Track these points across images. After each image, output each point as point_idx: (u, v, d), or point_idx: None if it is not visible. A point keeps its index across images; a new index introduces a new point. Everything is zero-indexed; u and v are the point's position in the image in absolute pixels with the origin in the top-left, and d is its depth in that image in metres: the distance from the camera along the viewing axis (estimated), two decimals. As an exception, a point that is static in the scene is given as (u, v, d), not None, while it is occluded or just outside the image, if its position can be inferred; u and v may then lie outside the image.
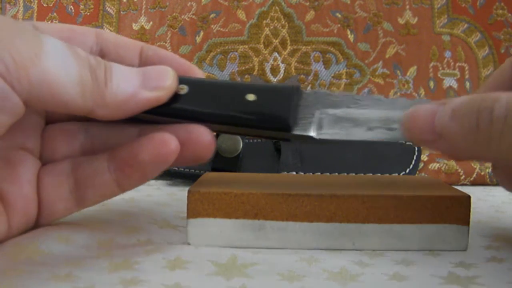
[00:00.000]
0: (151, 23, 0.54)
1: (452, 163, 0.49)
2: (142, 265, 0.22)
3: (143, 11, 0.55)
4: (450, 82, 0.52)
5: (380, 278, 0.21)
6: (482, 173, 0.49)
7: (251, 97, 0.25)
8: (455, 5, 0.53)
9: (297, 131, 0.24)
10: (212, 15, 0.54)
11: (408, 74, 0.53)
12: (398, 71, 0.53)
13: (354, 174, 0.43)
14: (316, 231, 0.25)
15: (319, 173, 0.43)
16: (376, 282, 0.21)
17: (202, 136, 0.24)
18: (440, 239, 0.25)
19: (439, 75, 0.53)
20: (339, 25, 0.53)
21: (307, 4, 0.54)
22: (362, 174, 0.43)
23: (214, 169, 0.41)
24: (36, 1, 0.55)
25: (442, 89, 0.52)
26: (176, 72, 0.24)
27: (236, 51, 0.53)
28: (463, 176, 0.49)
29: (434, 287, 0.21)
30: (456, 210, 0.25)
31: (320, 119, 0.25)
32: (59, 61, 0.20)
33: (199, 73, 0.27)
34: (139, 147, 0.23)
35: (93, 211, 0.28)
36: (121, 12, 0.55)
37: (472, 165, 0.48)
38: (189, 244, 0.25)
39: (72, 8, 0.55)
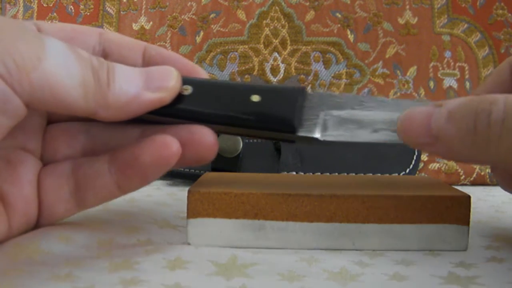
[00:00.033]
0: (151, 23, 0.54)
1: (452, 163, 0.49)
2: (142, 265, 0.22)
3: (143, 11, 0.55)
4: (450, 82, 0.52)
5: (380, 278, 0.21)
6: (482, 173, 0.49)
7: (255, 98, 0.24)
8: (455, 5, 0.53)
9: (301, 133, 0.24)
10: (212, 15, 0.54)
11: (408, 74, 0.53)
12: (398, 71, 0.53)
13: (354, 174, 0.43)
14: (316, 231, 0.25)
15: (319, 173, 0.43)
16: (376, 282, 0.21)
17: (205, 137, 0.24)
18: (440, 239, 0.25)
19: (439, 75, 0.53)
20: (339, 25, 0.53)
21: (307, 4, 0.54)
22: (362, 174, 0.43)
23: (214, 169, 0.41)
24: (36, 1, 0.55)
25: (442, 89, 0.52)
26: (179, 73, 0.24)
27: (236, 51, 0.53)
28: (463, 176, 0.49)
29: (434, 287, 0.21)
30: (456, 210, 0.25)
31: (325, 120, 0.25)
32: (61, 63, 0.20)
33: (202, 74, 0.27)
34: (140, 149, 0.23)
35: (93, 211, 0.28)
36: (121, 12, 0.55)
37: (472, 165, 0.48)
38: (189, 244, 0.25)
39: (72, 8, 0.55)
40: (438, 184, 0.29)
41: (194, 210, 0.25)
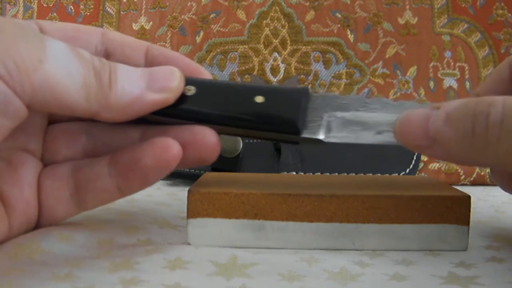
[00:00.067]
0: (151, 23, 0.54)
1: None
2: (142, 265, 0.22)
3: (143, 11, 0.55)
4: (450, 82, 0.52)
5: (380, 278, 0.21)
6: (482, 173, 0.49)
7: (259, 99, 0.24)
8: (455, 5, 0.53)
9: (306, 134, 0.24)
10: (212, 15, 0.54)
11: (408, 74, 0.53)
12: (398, 71, 0.53)
13: (354, 174, 0.43)
14: (316, 231, 0.25)
15: (319, 173, 0.43)
16: (376, 282, 0.21)
17: (207, 138, 0.24)
18: (440, 239, 0.25)
19: (439, 75, 0.53)
20: (339, 25, 0.53)
21: (307, 4, 0.54)
22: (362, 174, 0.43)
23: (214, 169, 0.41)
24: (36, 1, 0.55)
25: (442, 89, 0.52)
26: (182, 73, 0.24)
27: (236, 51, 0.53)
28: (463, 176, 0.49)
29: (434, 287, 0.21)
30: (456, 210, 0.25)
31: (329, 122, 0.25)
32: (62, 64, 0.20)
33: (205, 74, 0.27)
34: (141, 152, 0.23)
35: (93, 211, 0.28)
36: (121, 12, 0.55)
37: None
38: (189, 244, 0.25)
39: (72, 8, 0.55)
40: (438, 184, 0.29)
41: (194, 210, 0.25)
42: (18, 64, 0.19)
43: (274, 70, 0.53)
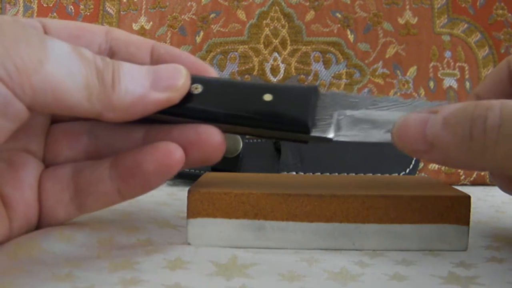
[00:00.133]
0: (151, 23, 0.54)
1: (452, 163, 0.48)
2: (142, 265, 0.22)
3: (143, 11, 0.55)
4: (450, 82, 0.52)
5: (380, 278, 0.21)
6: (482, 173, 0.49)
7: (267, 97, 0.24)
8: (455, 5, 0.53)
9: (315, 133, 0.24)
10: (212, 15, 0.54)
11: (408, 74, 0.53)
12: (398, 71, 0.53)
13: (354, 174, 0.43)
14: (316, 231, 0.25)
15: (319, 173, 0.43)
16: (376, 282, 0.21)
17: (212, 137, 0.23)
18: (440, 239, 0.25)
19: (439, 75, 0.53)
20: (339, 25, 0.53)
21: (307, 4, 0.54)
22: (362, 174, 0.43)
23: (214, 169, 0.41)
24: (36, 1, 0.55)
25: (442, 89, 0.52)
26: (188, 71, 0.24)
27: (236, 51, 0.53)
28: (463, 176, 0.49)
29: (434, 287, 0.21)
30: (456, 210, 0.25)
31: (338, 120, 0.24)
32: (64, 65, 0.20)
33: (212, 73, 0.26)
34: (142, 157, 0.22)
35: (93, 211, 0.28)
36: (121, 12, 0.55)
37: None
38: (189, 244, 0.25)
39: (72, 8, 0.55)
40: (438, 184, 0.29)
41: (194, 210, 0.25)
42: (18, 65, 0.18)
43: (274, 70, 0.53)
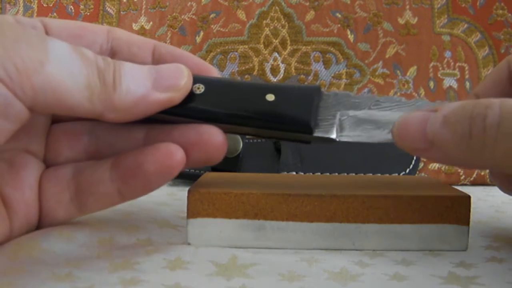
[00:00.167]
0: (151, 23, 0.54)
1: (452, 163, 0.48)
2: (142, 265, 0.22)
3: (143, 11, 0.55)
4: (450, 82, 0.52)
5: (380, 278, 0.21)
6: (482, 173, 0.49)
7: (270, 97, 0.24)
8: (455, 5, 0.53)
9: (318, 133, 0.24)
10: (212, 15, 0.54)
11: (408, 74, 0.53)
12: (398, 71, 0.53)
13: (354, 174, 0.43)
14: (316, 231, 0.25)
15: (319, 173, 0.43)
16: (376, 282, 0.21)
17: (213, 137, 0.23)
18: (440, 239, 0.25)
19: (439, 75, 0.53)
20: (339, 25, 0.53)
21: (307, 4, 0.54)
22: (362, 174, 0.43)
23: (214, 169, 0.41)
24: (36, 1, 0.55)
25: (442, 89, 0.52)
26: (190, 71, 0.24)
27: (236, 51, 0.53)
28: (463, 176, 0.49)
29: (434, 287, 0.21)
30: (456, 210, 0.25)
31: (341, 120, 0.24)
32: (65, 65, 0.20)
33: (214, 72, 0.26)
34: (143, 157, 0.22)
35: (93, 211, 0.28)
36: (121, 12, 0.55)
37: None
38: (189, 244, 0.25)
39: (72, 8, 0.55)
40: (438, 184, 0.29)
41: (194, 210, 0.25)
42: (18, 66, 0.18)
43: (274, 70, 0.53)
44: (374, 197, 0.25)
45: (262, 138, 0.36)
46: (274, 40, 0.53)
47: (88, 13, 0.55)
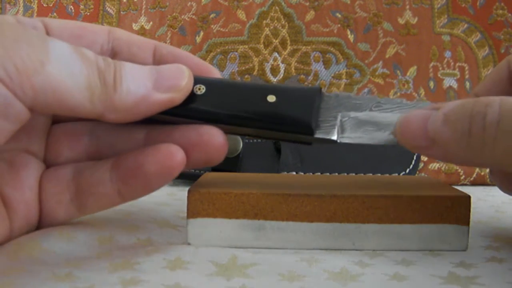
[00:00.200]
0: (151, 23, 0.54)
1: (452, 163, 0.49)
2: (142, 265, 0.22)
3: (143, 11, 0.55)
4: (450, 82, 0.52)
5: (380, 278, 0.21)
6: (482, 173, 0.49)
7: (271, 98, 0.24)
8: (455, 5, 0.53)
9: (319, 135, 0.24)
10: (212, 15, 0.54)
11: (408, 74, 0.53)
12: (398, 71, 0.53)
13: (354, 174, 0.43)
14: (316, 231, 0.25)
15: (319, 173, 0.43)
16: (376, 282, 0.21)
17: (214, 138, 0.23)
18: (440, 239, 0.25)
19: (439, 75, 0.53)
20: (339, 25, 0.53)
21: (307, 4, 0.54)
22: (362, 174, 0.43)
23: (214, 169, 0.41)
24: (36, 1, 0.55)
25: (442, 89, 0.52)
26: (191, 72, 0.24)
27: (236, 51, 0.53)
28: (463, 176, 0.49)
29: (434, 287, 0.21)
30: (456, 210, 0.25)
31: (342, 122, 0.24)
32: (65, 66, 0.20)
33: (216, 73, 0.26)
34: (144, 158, 0.22)
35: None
36: (121, 12, 0.55)
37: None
38: (189, 244, 0.25)
39: (72, 8, 0.55)
40: (438, 184, 0.29)
41: (194, 210, 0.25)
42: (18, 66, 0.18)
43: (274, 70, 0.53)
44: (374, 197, 0.25)
45: (262, 138, 0.36)
46: (274, 40, 0.53)
47: (88, 13, 0.55)
